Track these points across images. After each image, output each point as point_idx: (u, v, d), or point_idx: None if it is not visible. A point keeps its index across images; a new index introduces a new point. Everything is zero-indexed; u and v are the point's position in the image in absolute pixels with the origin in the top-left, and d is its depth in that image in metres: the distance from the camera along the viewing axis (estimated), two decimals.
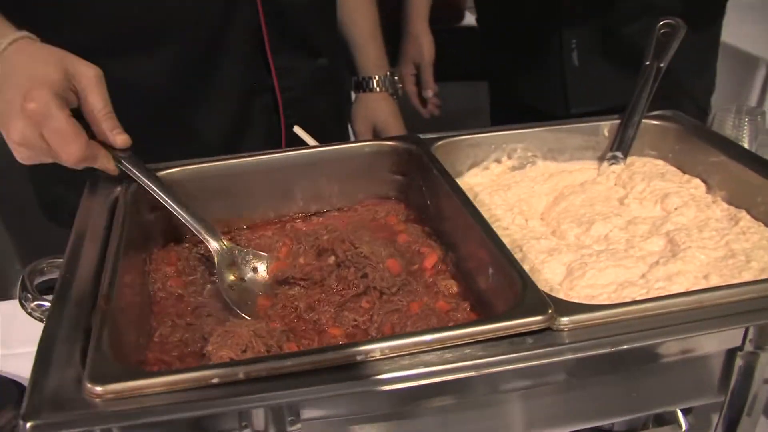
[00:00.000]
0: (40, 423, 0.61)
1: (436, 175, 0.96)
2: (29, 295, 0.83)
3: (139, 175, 0.91)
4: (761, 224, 0.94)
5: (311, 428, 0.66)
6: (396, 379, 0.66)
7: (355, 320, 0.87)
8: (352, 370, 0.67)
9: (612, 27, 1.42)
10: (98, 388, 0.64)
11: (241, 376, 0.66)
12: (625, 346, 0.70)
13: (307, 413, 0.65)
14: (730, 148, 1.03)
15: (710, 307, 0.74)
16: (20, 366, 0.95)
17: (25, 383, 0.65)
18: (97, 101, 0.84)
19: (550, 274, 0.88)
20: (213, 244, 0.91)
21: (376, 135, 1.44)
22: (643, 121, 1.10)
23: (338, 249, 0.91)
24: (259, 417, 0.65)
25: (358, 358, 0.67)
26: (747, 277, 0.84)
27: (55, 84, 0.82)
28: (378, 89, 1.46)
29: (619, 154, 1.09)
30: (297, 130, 1.16)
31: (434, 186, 0.97)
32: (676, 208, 0.98)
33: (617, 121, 1.11)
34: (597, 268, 0.86)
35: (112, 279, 0.78)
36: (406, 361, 0.67)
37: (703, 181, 1.04)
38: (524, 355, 0.68)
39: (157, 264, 0.95)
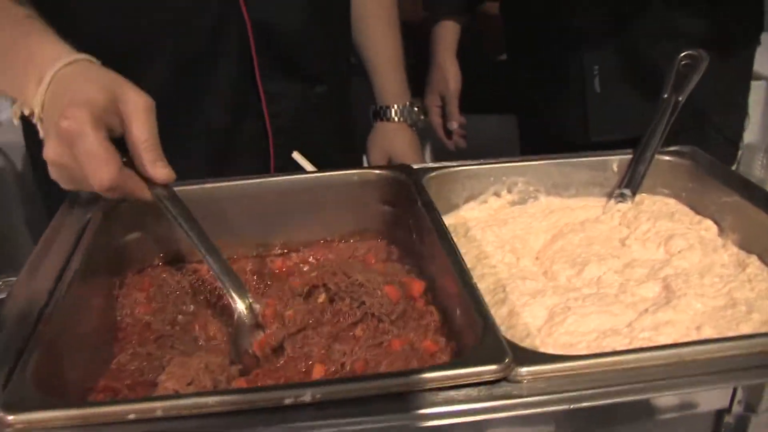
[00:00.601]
0: None
1: (419, 207, 0.91)
2: None
3: (177, 217, 0.84)
4: None
5: None
6: (316, 427, 0.61)
7: (344, 353, 0.82)
8: (276, 415, 0.62)
9: (633, 51, 1.35)
10: (10, 417, 0.61)
11: (158, 413, 0.62)
12: (584, 404, 0.63)
13: None
14: (747, 188, 0.94)
15: (691, 363, 0.67)
16: None
17: None
18: (142, 131, 0.79)
19: (529, 318, 0.81)
20: (239, 305, 0.82)
21: None
22: (657, 157, 1.03)
23: (330, 282, 0.85)
24: None
25: (286, 401, 0.63)
26: (745, 330, 0.76)
27: (96, 105, 0.78)
28: (396, 119, 1.42)
29: (627, 191, 1.02)
30: (296, 155, 1.13)
31: (419, 219, 0.92)
32: (679, 251, 0.90)
33: (628, 156, 1.04)
34: (580, 313, 0.80)
35: (60, 301, 0.76)
36: (334, 410, 0.62)
37: (716, 222, 0.96)
38: (467, 408, 0.63)
39: (128, 289, 0.92)
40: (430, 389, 0.64)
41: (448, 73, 1.60)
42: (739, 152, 1.38)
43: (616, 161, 1.04)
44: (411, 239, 0.95)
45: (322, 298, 0.83)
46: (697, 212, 0.99)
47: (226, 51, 1.11)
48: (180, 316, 0.90)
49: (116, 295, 0.91)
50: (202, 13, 1.08)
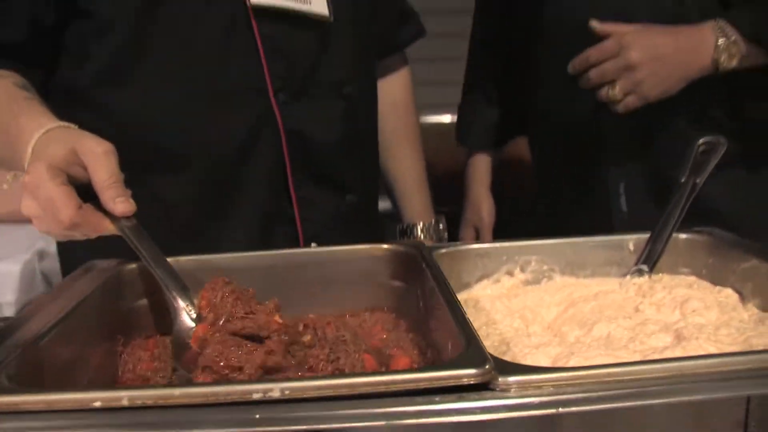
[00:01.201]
0: None
1: (429, 278, 0.90)
2: None
3: (135, 243, 0.89)
4: None
5: None
6: (289, 420, 0.58)
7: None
8: (245, 407, 0.60)
9: (659, 169, 1.36)
10: None
11: (124, 402, 0.60)
12: (573, 408, 0.59)
13: None
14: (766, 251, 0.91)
15: (691, 375, 0.63)
16: None
17: None
18: (101, 172, 0.86)
19: (530, 362, 0.78)
20: (180, 302, 0.87)
21: None
22: (675, 235, 1.01)
23: (319, 327, 0.84)
24: None
25: (255, 396, 0.61)
26: None
27: (55, 158, 0.86)
28: (422, 236, 1.45)
29: (644, 267, 0.99)
30: (314, 247, 1.15)
31: (427, 290, 0.90)
32: (693, 310, 0.86)
33: (645, 236, 1.02)
34: (584, 356, 0.76)
35: (57, 334, 0.77)
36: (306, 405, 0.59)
37: (737, 291, 0.92)
38: (442, 408, 0.59)
39: (133, 348, 0.92)
40: (407, 390, 0.61)
41: (482, 207, 1.64)
42: None
43: (633, 240, 1.03)
44: (419, 312, 0.93)
45: (307, 338, 0.81)
46: (717, 284, 0.96)
47: (260, 157, 1.17)
48: (178, 371, 0.89)
49: (120, 352, 0.91)
50: (238, 120, 1.16)
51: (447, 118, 2.40)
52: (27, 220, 0.89)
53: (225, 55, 1.13)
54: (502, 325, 0.90)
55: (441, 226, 1.47)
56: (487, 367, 0.62)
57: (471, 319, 0.76)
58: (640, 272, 0.99)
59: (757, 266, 0.90)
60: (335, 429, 0.57)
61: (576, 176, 1.48)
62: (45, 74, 1.12)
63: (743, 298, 0.91)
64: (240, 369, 0.70)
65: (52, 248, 1.90)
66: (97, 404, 0.60)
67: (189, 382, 0.74)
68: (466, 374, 0.62)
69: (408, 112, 1.49)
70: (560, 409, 0.59)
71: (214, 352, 0.71)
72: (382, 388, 0.61)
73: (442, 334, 0.79)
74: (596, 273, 1.03)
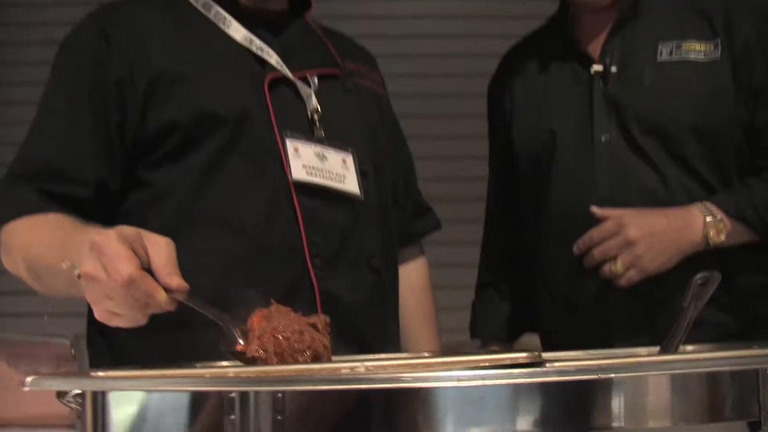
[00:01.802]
0: None
1: None
2: None
3: (189, 301, 0.97)
4: None
5: None
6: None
7: None
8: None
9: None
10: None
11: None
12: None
13: None
14: None
15: None
16: None
17: None
18: (162, 255, 0.96)
19: None
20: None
21: None
22: None
23: None
24: None
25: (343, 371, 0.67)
26: None
27: (123, 230, 0.97)
28: None
29: None
30: None
31: None
32: None
33: None
34: None
35: None
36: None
37: None
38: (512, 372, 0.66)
39: None
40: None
41: None
42: None
43: None
44: None
45: None
46: None
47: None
48: None
49: None
50: (276, 281, 1.26)
51: None
52: (39, 425, 0.95)
53: (269, 224, 1.27)
54: None
55: None
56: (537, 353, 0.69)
57: None
58: None
59: None
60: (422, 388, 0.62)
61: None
62: None
63: None
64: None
65: None
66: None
67: None
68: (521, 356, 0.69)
69: (426, 296, 1.60)
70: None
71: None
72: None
73: None
74: None
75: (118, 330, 1.05)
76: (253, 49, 1.34)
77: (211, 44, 1.34)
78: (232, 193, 1.27)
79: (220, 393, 0.64)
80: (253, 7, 1.39)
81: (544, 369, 0.68)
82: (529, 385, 0.65)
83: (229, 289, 1.23)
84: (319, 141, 1.34)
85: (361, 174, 1.37)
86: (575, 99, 1.58)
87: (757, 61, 1.47)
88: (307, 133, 1.34)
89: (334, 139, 1.36)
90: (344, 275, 1.31)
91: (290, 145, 1.30)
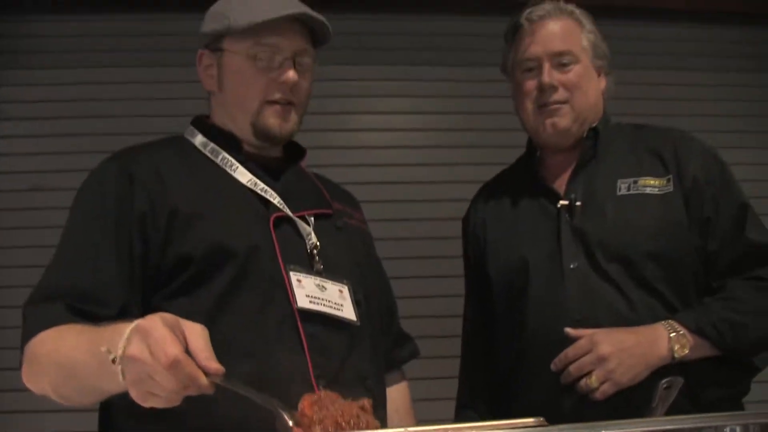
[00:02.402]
0: None
1: None
2: None
3: (228, 384, 1.07)
4: None
5: None
6: None
7: None
8: None
9: None
10: None
11: None
12: None
13: None
14: None
15: None
16: None
17: None
18: (200, 341, 1.06)
19: None
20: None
21: None
22: None
23: None
24: None
25: None
26: None
27: (164, 316, 1.08)
28: None
29: None
30: None
31: None
32: None
33: None
34: None
35: None
36: None
37: None
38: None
39: None
40: None
41: None
42: None
43: None
44: None
45: None
46: None
47: None
48: None
49: None
50: (282, 399, 1.34)
51: None
52: None
53: (276, 348, 1.38)
54: None
55: None
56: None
57: None
58: None
59: None
60: None
61: None
62: None
63: None
64: None
65: None
66: None
67: None
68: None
69: (409, 415, 1.71)
70: None
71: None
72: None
73: None
74: None
75: None
76: (258, 190, 1.49)
77: (220, 186, 1.49)
78: (243, 320, 1.38)
79: None
80: (256, 154, 1.56)
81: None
82: None
83: (233, 408, 1.32)
84: (318, 273, 1.48)
85: (355, 303, 1.51)
86: (545, 230, 1.75)
87: (704, 193, 1.66)
88: (307, 267, 1.47)
89: (330, 271, 1.49)
90: (344, 395, 1.41)
91: (294, 276, 1.43)
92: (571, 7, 1.79)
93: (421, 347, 1.80)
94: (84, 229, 1.45)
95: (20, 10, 3.42)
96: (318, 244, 1.50)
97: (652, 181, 1.70)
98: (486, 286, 1.84)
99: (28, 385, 1.36)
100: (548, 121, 1.75)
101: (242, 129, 1.55)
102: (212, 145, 1.55)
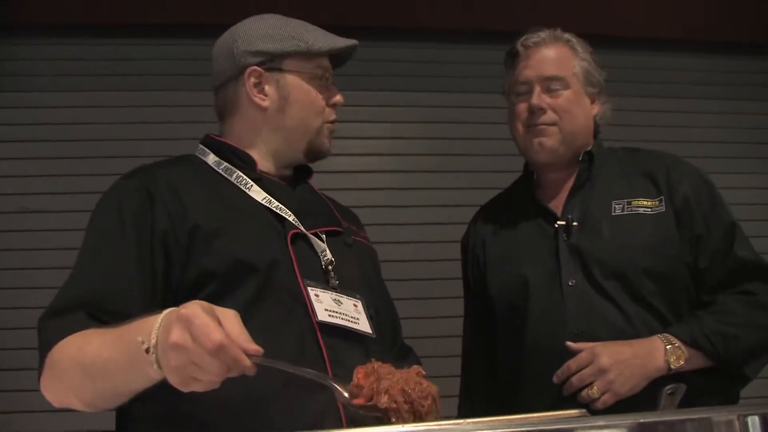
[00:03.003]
0: None
1: None
2: None
3: (272, 362, 1.13)
4: None
5: None
6: None
7: None
8: None
9: None
10: None
11: None
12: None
13: None
14: None
15: None
16: None
17: None
18: (235, 324, 1.10)
19: None
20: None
21: None
22: None
23: None
24: None
25: None
26: None
27: (202, 304, 1.11)
28: None
29: None
30: None
31: None
32: None
33: None
34: None
35: None
36: None
37: None
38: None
39: None
40: None
41: None
42: None
43: None
44: None
45: None
46: None
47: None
48: None
49: None
50: (307, 408, 1.38)
51: None
52: None
53: (298, 361, 1.41)
54: None
55: None
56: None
57: None
58: None
59: None
60: None
61: None
62: None
63: None
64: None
65: None
66: None
67: None
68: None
69: None
70: None
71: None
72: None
73: None
74: None
75: None
76: (273, 208, 1.54)
77: (237, 203, 1.53)
78: (264, 332, 1.40)
79: None
80: (269, 174, 1.62)
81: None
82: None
83: (257, 417, 1.37)
84: (333, 288, 1.53)
85: (369, 317, 1.56)
86: (543, 249, 1.83)
87: (695, 213, 1.76)
88: (322, 282, 1.52)
89: (344, 287, 1.55)
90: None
91: (311, 291, 1.48)
92: (567, 35, 1.89)
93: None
94: (103, 244, 1.46)
95: (7, 34, 3.45)
96: (333, 260, 1.55)
97: (645, 202, 1.79)
98: (485, 305, 1.91)
99: (48, 396, 1.37)
100: (536, 141, 1.84)
101: (292, 147, 1.62)
102: (225, 164, 1.59)
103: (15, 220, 3.29)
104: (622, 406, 1.62)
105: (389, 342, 1.69)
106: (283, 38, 1.60)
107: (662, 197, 1.79)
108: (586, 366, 1.65)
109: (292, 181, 1.67)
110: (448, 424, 0.98)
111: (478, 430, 0.95)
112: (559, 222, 1.82)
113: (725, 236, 1.75)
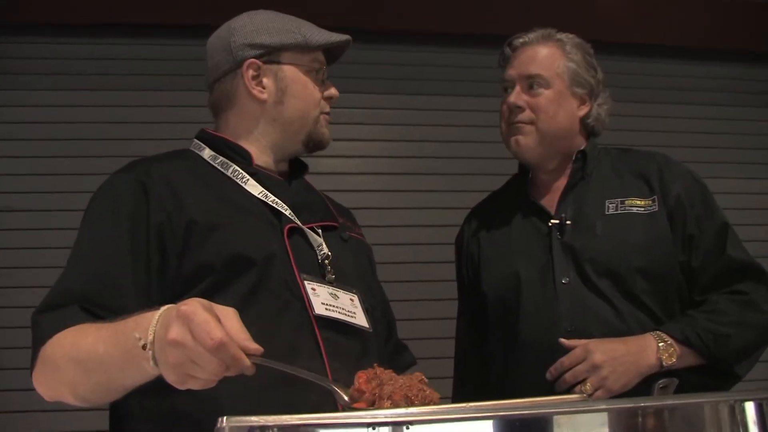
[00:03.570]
0: None
1: None
2: None
3: (270, 363, 1.11)
4: None
5: None
6: None
7: None
8: None
9: None
10: None
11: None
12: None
13: None
14: None
15: None
16: None
17: None
18: (235, 323, 1.08)
19: None
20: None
21: None
22: None
23: None
24: None
25: None
26: None
27: (202, 302, 1.09)
28: None
29: None
30: None
31: None
32: None
33: None
34: None
35: None
36: None
37: None
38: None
39: None
40: None
41: None
42: None
43: None
44: None
45: None
46: None
47: None
48: None
49: None
50: (303, 401, 1.37)
51: None
52: None
53: (295, 354, 1.41)
54: None
55: None
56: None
57: None
58: None
59: None
60: None
61: None
62: None
63: None
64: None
65: None
66: None
67: None
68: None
69: None
70: None
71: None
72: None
73: None
74: None
75: None
76: (269, 202, 1.53)
77: (233, 197, 1.52)
78: (261, 326, 1.40)
79: None
80: (265, 168, 1.61)
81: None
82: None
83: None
84: (330, 282, 1.53)
85: (365, 311, 1.56)
86: (536, 247, 1.84)
87: (687, 212, 1.78)
88: (319, 276, 1.52)
89: (340, 281, 1.55)
90: None
91: (308, 285, 1.48)
92: (561, 35, 1.91)
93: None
94: (98, 238, 1.45)
95: None
96: (329, 254, 1.55)
97: (638, 202, 1.81)
98: (479, 303, 1.92)
99: (40, 390, 1.36)
100: (512, 138, 1.87)
101: (291, 138, 1.62)
102: (221, 158, 1.58)
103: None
104: None
105: (384, 337, 1.69)
106: (281, 31, 1.60)
107: (655, 197, 1.81)
108: (580, 362, 1.66)
109: (288, 176, 1.67)
110: (453, 407, 0.98)
111: (480, 412, 0.94)
112: (552, 220, 1.84)
113: (717, 236, 1.77)
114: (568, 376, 1.66)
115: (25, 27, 3.46)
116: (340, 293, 1.54)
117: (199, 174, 1.55)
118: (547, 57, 1.87)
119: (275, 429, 0.89)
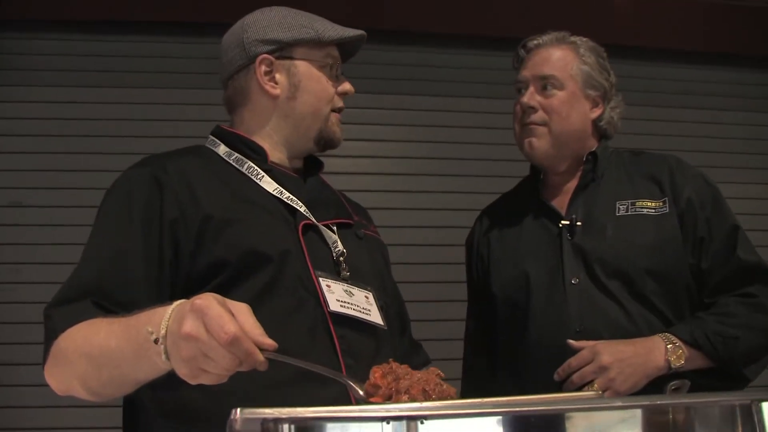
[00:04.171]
0: None
1: None
2: None
3: (284, 359, 1.11)
4: None
5: None
6: None
7: None
8: None
9: None
10: None
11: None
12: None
13: None
14: None
15: None
16: None
17: None
18: (249, 318, 1.07)
19: None
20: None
21: None
22: None
23: None
24: None
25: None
26: None
27: (216, 297, 1.09)
28: None
29: None
30: None
31: None
32: None
33: None
34: None
35: None
36: None
37: None
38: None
39: None
40: None
41: None
42: None
43: None
44: None
45: None
46: None
47: None
48: None
49: None
50: (318, 397, 1.38)
51: None
52: None
53: (310, 350, 1.41)
54: None
55: None
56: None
57: None
58: None
59: None
60: None
61: None
62: None
63: None
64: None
65: None
66: None
67: None
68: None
69: None
70: None
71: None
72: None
73: None
74: None
75: None
76: (284, 199, 1.54)
77: (248, 193, 1.53)
78: (276, 322, 1.40)
79: None
80: (280, 165, 1.62)
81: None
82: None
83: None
84: (345, 279, 1.53)
85: (380, 309, 1.57)
86: (547, 248, 1.85)
87: (698, 215, 1.79)
88: (333, 273, 1.53)
89: (355, 278, 1.55)
90: None
91: (323, 282, 1.48)
92: (575, 38, 1.92)
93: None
94: (112, 233, 1.46)
95: (0, 28, 3.44)
96: (344, 251, 1.56)
97: (649, 203, 1.82)
98: (488, 302, 1.93)
99: (52, 384, 1.36)
100: (526, 141, 1.88)
101: (302, 135, 1.62)
102: (237, 154, 1.59)
103: (8, 215, 3.26)
104: None
105: (398, 335, 1.70)
106: (294, 27, 1.61)
107: (666, 198, 1.81)
108: (587, 363, 1.67)
109: (303, 174, 1.68)
110: (468, 402, 0.99)
111: (497, 407, 0.95)
112: (563, 221, 1.84)
113: (728, 239, 1.78)
114: (575, 377, 1.67)
115: (31, 23, 3.47)
116: (355, 290, 1.54)
117: (214, 170, 1.56)
118: (560, 59, 1.89)
119: (288, 421, 0.88)
